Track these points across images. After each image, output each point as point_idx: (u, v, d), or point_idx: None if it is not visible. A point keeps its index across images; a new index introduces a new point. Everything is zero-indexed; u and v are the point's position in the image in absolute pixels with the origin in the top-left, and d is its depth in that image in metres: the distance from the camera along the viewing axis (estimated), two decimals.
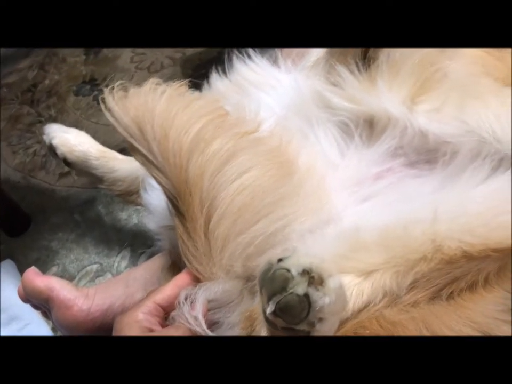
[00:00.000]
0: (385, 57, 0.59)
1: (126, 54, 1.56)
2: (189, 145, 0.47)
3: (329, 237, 0.51)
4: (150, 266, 0.72)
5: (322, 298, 0.35)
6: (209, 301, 0.50)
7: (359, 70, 0.60)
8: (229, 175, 0.47)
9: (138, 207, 1.02)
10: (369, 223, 0.51)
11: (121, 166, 0.86)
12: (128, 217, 1.10)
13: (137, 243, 1.04)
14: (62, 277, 1.04)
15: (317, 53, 0.73)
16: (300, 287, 0.35)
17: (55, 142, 0.90)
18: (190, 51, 1.47)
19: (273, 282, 0.35)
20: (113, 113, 0.49)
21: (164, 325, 0.51)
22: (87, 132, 0.95)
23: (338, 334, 0.44)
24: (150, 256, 0.88)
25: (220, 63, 0.75)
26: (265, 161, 0.50)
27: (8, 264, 1.10)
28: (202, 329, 0.48)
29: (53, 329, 0.95)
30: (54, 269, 1.08)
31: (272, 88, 0.71)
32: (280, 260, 0.37)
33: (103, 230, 1.10)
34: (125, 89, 0.53)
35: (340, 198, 0.57)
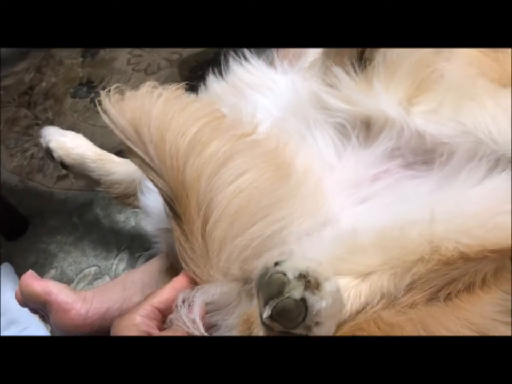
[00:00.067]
0: (382, 58, 0.59)
1: (123, 56, 1.56)
2: (185, 147, 0.47)
3: (327, 239, 0.50)
4: (148, 269, 0.72)
5: (319, 302, 0.35)
6: (206, 304, 0.50)
7: (355, 71, 0.60)
8: (225, 177, 0.47)
9: (136, 210, 1.02)
10: (366, 224, 0.51)
11: (118, 168, 0.86)
12: (126, 219, 1.10)
13: (135, 245, 1.04)
14: (60, 280, 1.04)
15: (313, 54, 0.73)
16: (297, 291, 0.35)
17: (52, 145, 0.90)
18: (186, 52, 1.47)
19: (269, 286, 0.35)
20: (110, 116, 0.49)
21: (161, 328, 0.51)
22: (84, 134, 0.95)
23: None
24: (148, 258, 0.88)
25: (216, 64, 0.75)
26: (262, 163, 0.50)
27: (6, 268, 1.09)
28: (200, 332, 0.48)
29: (51, 332, 0.95)
30: (52, 272, 1.08)
31: (269, 89, 0.71)
32: (276, 264, 0.37)
33: (101, 233, 1.10)
34: (122, 92, 0.53)
35: (337, 200, 0.57)
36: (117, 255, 1.05)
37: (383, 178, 0.58)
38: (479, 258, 0.45)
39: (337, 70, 0.60)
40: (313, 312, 0.35)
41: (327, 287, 0.36)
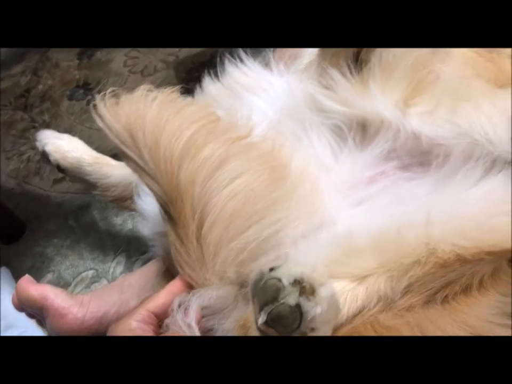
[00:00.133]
0: (378, 59, 0.59)
1: (119, 58, 1.56)
2: (180, 151, 0.47)
3: (323, 242, 0.50)
4: (145, 273, 0.72)
5: (314, 308, 0.35)
6: (203, 308, 0.50)
7: (351, 73, 0.60)
8: (220, 181, 0.47)
9: (133, 213, 1.02)
10: (362, 227, 0.51)
11: (115, 172, 0.85)
12: (123, 222, 1.10)
13: (132, 248, 1.03)
14: (57, 283, 1.04)
15: (309, 56, 0.73)
16: (291, 297, 0.34)
17: (48, 148, 0.89)
18: (183, 54, 1.47)
19: (264, 292, 0.35)
20: (104, 120, 0.49)
21: (158, 332, 0.51)
22: (81, 136, 0.94)
23: None
24: (146, 261, 0.87)
25: (212, 66, 0.74)
26: (257, 166, 0.50)
27: (4, 272, 1.09)
28: None
29: None
30: (49, 275, 1.08)
31: (265, 91, 0.71)
32: (271, 269, 0.36)
33: (98, 236, 1.10)
34: (117, 96, 0.53)
35: (333, 202, 0.57)
36: (114, 258, 1.04)
37: (379, 180, 0.58)
38: (476, 260, 0.45)
39: (333, 72, 0.60)
40: (308, 318, 0.35)
41: (322, 292, 0.36)
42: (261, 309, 0.35)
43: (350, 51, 0.62)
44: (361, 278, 0.48)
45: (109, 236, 1.09)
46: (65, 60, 1.64)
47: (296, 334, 0.36)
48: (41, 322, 0.67)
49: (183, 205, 0.47)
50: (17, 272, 1.08)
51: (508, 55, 0.56)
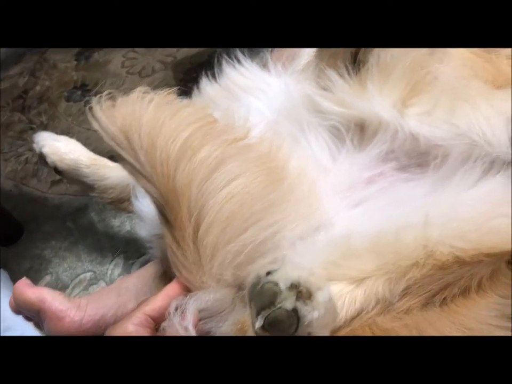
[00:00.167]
0: (375, 60, 0.59)
1: (117, 59, 1.56)
2: (176, 153, 0.47)
3: (321, 244, 0.50)
4: (143, 275, 0.71)
5: (311, 313, 0.34)
6: (200, 311, 0.50)
7: (349, 74, 0.60)
8: (217, 182, 0.47)
9: (131, 214, 1.01)
10: (360, 229, 0.51)
11: (112, 173, 0.85)
12: (121, 224, 1.09)
13: (131, 250, 1.03)
14: (55, 285, 1.04)
15: (307, 57, 0.73)
16: (288, 302, 0.34)
17: (45, 150, 0.89)
18: (181, 55, 1.47)
19: (261, 296, 0.35)
20: (100, 123, 0.49)
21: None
22: (79, 138, 0.94)
23: None
24: (144, 263, 0.87)
25: (210, 67, 0.74)
26: (255, 167, 0.49)
27: (1, 274, 1.08)
28: None
29: None
30: (47, 278, 1.07)
31: (263, 92, 0.70)
32: (268, 273, 0.36)
33: (96, 238, 1.09)
34: (113, 98, 0.52)
35: (331, 203, 0.56)
36: (112, 260, 1.04)
37: (377, 181, 0.58)
38: (475, 262, 0.45)
39: (331, 73, 0.60)
40: (306, 323, 0.35)
41: (319, 297, 0.35)
42: (257, 313, 0.35)
43: (348, 52, 0.62)
44: (359, 281, 0.47)
45: (106, 237, 1.09)
46: (63, 61, 1.64)
47: None
48: (38, 325, 0.67)
49: (180, 207, 0.47)
50: (15, 274, 1.07)
51: (505, 56, 0.55)
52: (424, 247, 0.46)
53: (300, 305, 0.34)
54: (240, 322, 0.45)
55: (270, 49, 0.78)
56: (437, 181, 0.54)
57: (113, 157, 0.90)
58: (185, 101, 0.57)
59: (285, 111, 0.65)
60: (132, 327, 0.49)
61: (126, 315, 0.53)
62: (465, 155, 0.52)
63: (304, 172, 0.57)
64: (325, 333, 0.39)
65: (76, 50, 1.65)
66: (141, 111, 0.48)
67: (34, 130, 1.41)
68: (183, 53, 1.47)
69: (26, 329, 0.93)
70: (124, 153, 0.47)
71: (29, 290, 0.62)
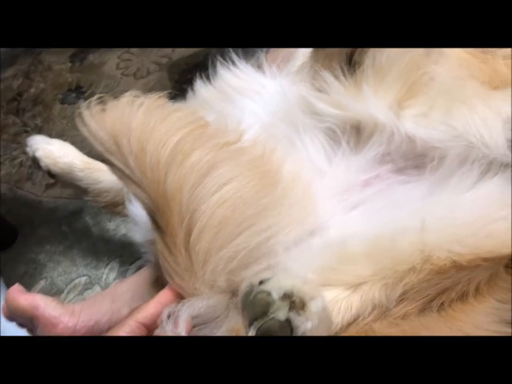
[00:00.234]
0: (371, 61, 0.58)
1: (112, 61, 1.55)
2: (166, 158, 0.46)
3: (316, 249, 0.49)
4: (137, 280, 0.70)
5: (304, 323, 0.34)
6: (193, 317, 0.49)
7: (344, 75, 0.59)
8: (208, 187, 0.46)
9: (126, 217, 1.00)
10: (357, 232, 0.50)
11: (106, 177, 0.84)
12: (116, 227, 1.08)
13: (126, 254, 1.02)
14: (50, 290, 1.03)
15: (302, 58, 0.72)
16: (281, 312, 0.33)
17: (39, 154, 0.88)
18: (176, 56, 1.46)
19: (254, 306, 0.34)
20: (89, 128, 0.48)
21: None
22: (74, 140, 0.93)
23: None
24: (139, 267, 0.86)
25: (204, 68, 0.73)
26: (247, 171, 0.48)
27: None
28: None
29: None
30: (42, 282, 1.06)
31: (258, 94, 0.70)
32: (261, 282, 0.35)
33: (91, 241, 1.08)
34: (104, 103, 0.51)
35: (327, 206, 0.56)
36: (107, 264, 1.03)
37: (374, 183, 0.57)
38: (472, 266, 0.44)
39: (326, 74, 0.59)
40: (299, 334, 0.34)
41: (313, 307, 0.34)
42: (250, 324, 0.34)
43: (343, 53, 0.61)
44: (356, 286, 0.47)
45: (102, 241, 1.08)
46: (58, 63, 1.63)
47: None
48: (32, 331, 0.66)
49: (171, 213, 0.46)
50: (10, 279, 1.06)
51: (502, 56, 0.55)
52: (421, 251, 0.45)
53: (293, 315, 0.33)
54: (234, 330, 0.44)
55: (264, 50, 0.77)
56: (434, 183, 0.53)
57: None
58: (176, 105, 0.56)
59: (280, 113, 0.65)
60: (124, 335, 0.48)
61: (119, 322, 0.53)
62: (462, 157, 0.52)
63: (299, 175, 0.56)
64: None
65: (70, 52, 1.64)
66: (130, 116, 0.47)
67: (28, 133, 1.40)
68: (178, 54, 1.46)
69: (20, 335, 0.92)
70: (113, 159, 0.46)
71: (21, 297, 0.61)
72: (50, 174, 0.89)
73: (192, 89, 0.74)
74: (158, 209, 0.47)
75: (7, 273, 1.09)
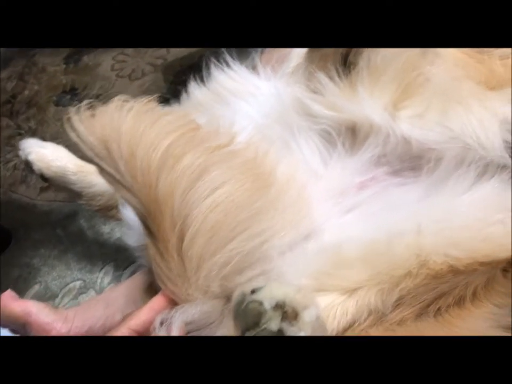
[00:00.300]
0: (366, 62, 0.58)
1: (106, 62, 1.54)
2: (157, 162, 0.45)
3: (311, 253, 0.48)
4: (131, 285, 0.70)
5: (297, 334, 0.33)
6: (187, 324, 0.48)
7: (339, 76, 0.58)
8: (201, 191, 0.45)
9: (120, 221, 1.00)
10: (352, 236, 0.50)
11: (100, 180, 0.83)
12: (111, 230, 1.08)
13: (121, 258, 1.01)
14: (44, 294, 1.02)
15: (296, 59, 0.71)
16: (273, 323, 0.32)
17: (32, 157, 0.87)
18: (171, 57, 1.45)
19: (245, 316, 0.33)
20: (78, 133, 0.47)
21: None
22: (68, 143, 0.92)
23: None
24: (134, 271, 0.85)
25: (199, 70, 0.73)
26: (240, 174, 0.48)
27: None
28: None
29: None
30: (36, 287, 1.05)
31: (252, 96, 0.69)
32: (253, 291, 0.34)
33: (86, 245, 1.07)
34: (93, 108, 0.51)
35: (322, 209, 0.55)
36: (102, 268, 1.02)
37: (369, 186, 0.57)
38: (469, 271, 0.43)
39: (321, 76, 0.58)
40: None
41: (306, 316, 0.34)
42: (242, 334, 0.33)
43: (338, 54, 0.61)
44: (351, 291, 0.46)
45: (96, 245, 1.07)
46: (52, 64, 1.62)
47: None
48: None
49: (163, 218, 0.45)
50: (3, 283, 1.05)
51: (498, 56, 0.54)
52: (418, 256, 0.44)
53: (285, 326, 0.33)
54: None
55: (259, 52, 0.76)
56: (430, 185, 0.52)
57: None
58: (166, 108, 0.55)
59: (274, 114, 0.64)
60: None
61: (113, 328, 0.52)
62: (458, 159, 0.51)
63: (294, 177, 0.55)
64: None
65: (64, 53, 1.63)
66: (119, 120, 0.46)
67: (22, 135, 1.39)
68: (173, 55, 1.46)
69: None
70: (103, 164, 0.46)
71: (14, 303, 0.61)
72: (43, 177, 0.88)
73: (186, 91, 0.73)
74: (149, 214, 0.46)
75: (1, 278, 1.08)
